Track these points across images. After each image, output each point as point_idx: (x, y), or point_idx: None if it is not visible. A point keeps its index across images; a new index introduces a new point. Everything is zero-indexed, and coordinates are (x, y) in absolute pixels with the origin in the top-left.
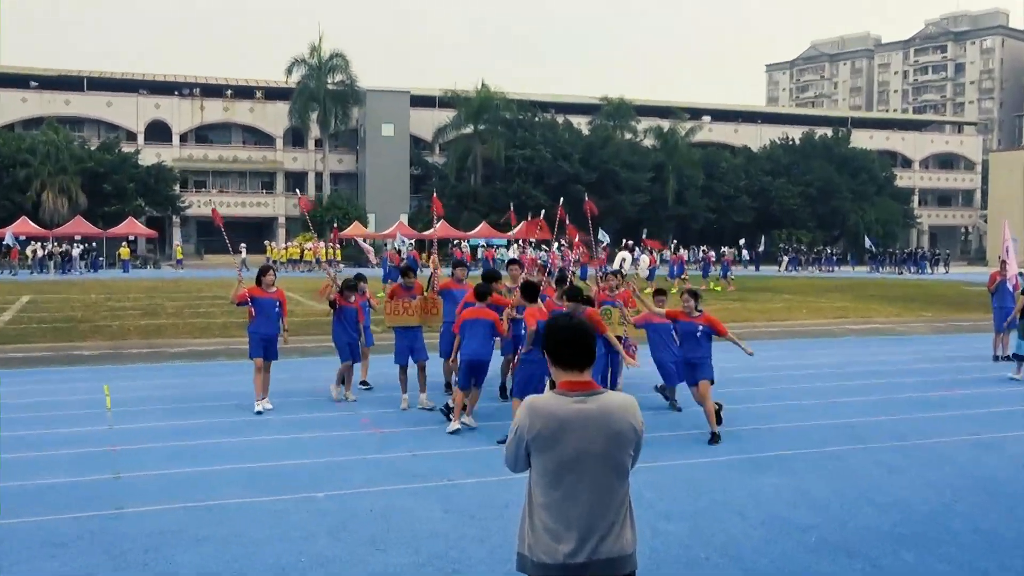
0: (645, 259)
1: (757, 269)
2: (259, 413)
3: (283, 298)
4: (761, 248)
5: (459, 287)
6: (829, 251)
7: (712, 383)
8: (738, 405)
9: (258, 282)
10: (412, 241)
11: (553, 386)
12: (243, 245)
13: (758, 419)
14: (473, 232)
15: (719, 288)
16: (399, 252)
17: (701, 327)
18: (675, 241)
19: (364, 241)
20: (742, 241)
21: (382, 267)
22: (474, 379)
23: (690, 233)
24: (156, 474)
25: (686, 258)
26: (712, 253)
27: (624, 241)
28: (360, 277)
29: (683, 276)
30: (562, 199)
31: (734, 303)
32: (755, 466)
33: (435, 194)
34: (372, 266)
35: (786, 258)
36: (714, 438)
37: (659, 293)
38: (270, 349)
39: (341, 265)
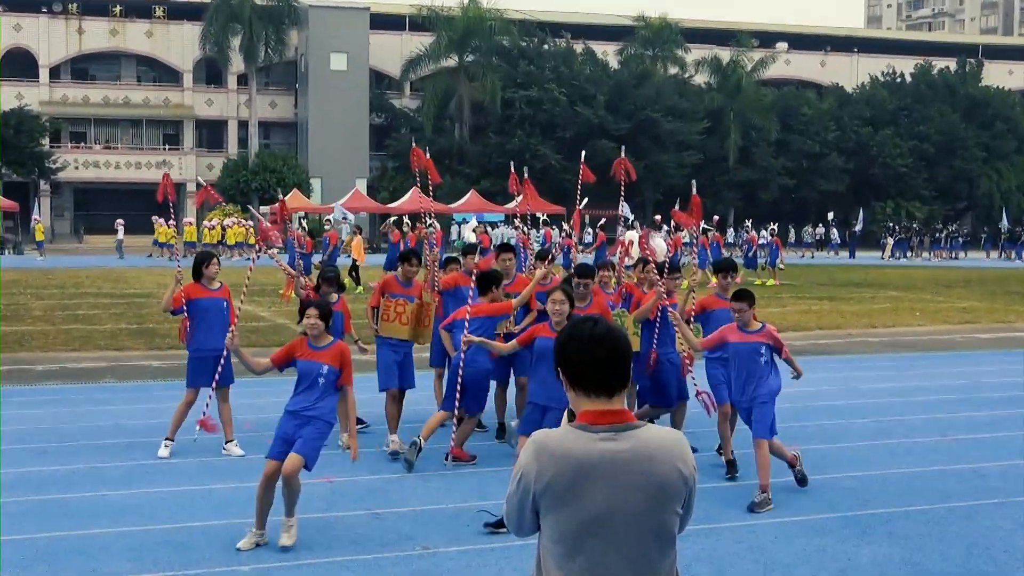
0: (661, 243)
1: (852, 256)
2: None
3: (230, 297)
4: (858, 227)
5: (472, 283)
6: (951, 230)
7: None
8: (825, 444)
9: (196, 276)
10: (353, 218)
11: (572, 417)
12: (120, 222)
13: (854, 464)
14: (458, 204)
15: (770, 282)
16: (357, 231)
17: (764, 346)
18: (748, 221)
19: (263, 214)
20: (831, 216)
21: (288, 251)
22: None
23: (759, 206)
24: (12, 540)
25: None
26: (754, 233)
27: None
28: (331, 269)
29: (777, 264)
30: (584, 154)
31: (821, 302)
32: (851, 529)
33: (414, 144)
34: (258, 253)
35: (891, 240)
36: (762, 501)
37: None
38: (223, 371)
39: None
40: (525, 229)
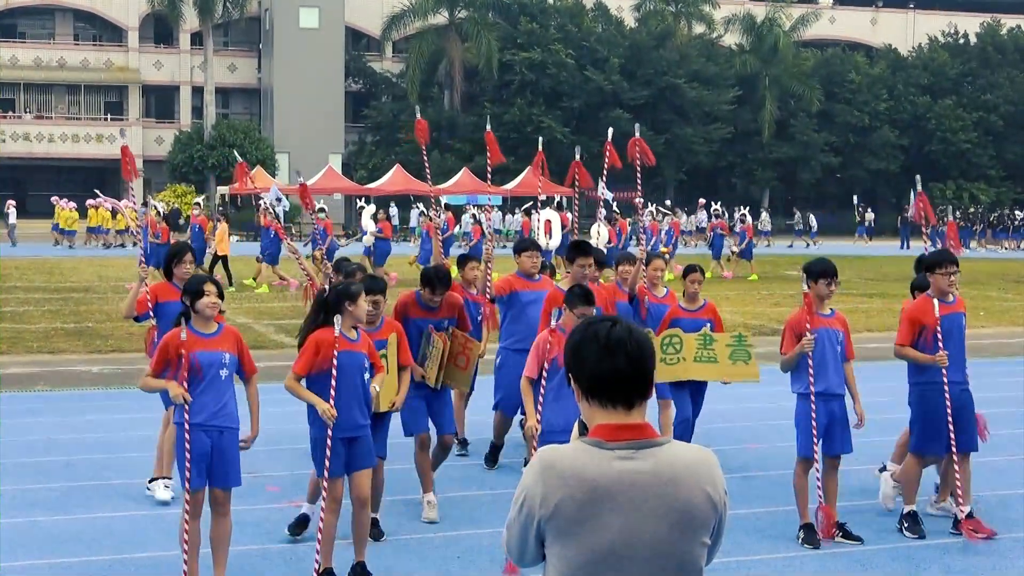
0: (604, 230)
1: (905, 246)
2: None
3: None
4: (910, 212)
5: (532, 286)
6: (1021, 217)
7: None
8: (876, 464)
9: (167, 274)
10: (285, 200)
11: (585, 431)
12: (10, 203)
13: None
14: (449, 185)
15: (753, 276)
16: (222, 218)
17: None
18: (744, 208)
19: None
20: (855, 199)
21: (192, 237)
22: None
23: (798, 187)
24: None
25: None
26: (750, 222)
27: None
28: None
29: (730, 250)
30: (611, 132)
31: (871, 300)
32: (901, 563)
33: (419, 115)
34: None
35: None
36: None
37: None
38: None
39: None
40: (432, 215)
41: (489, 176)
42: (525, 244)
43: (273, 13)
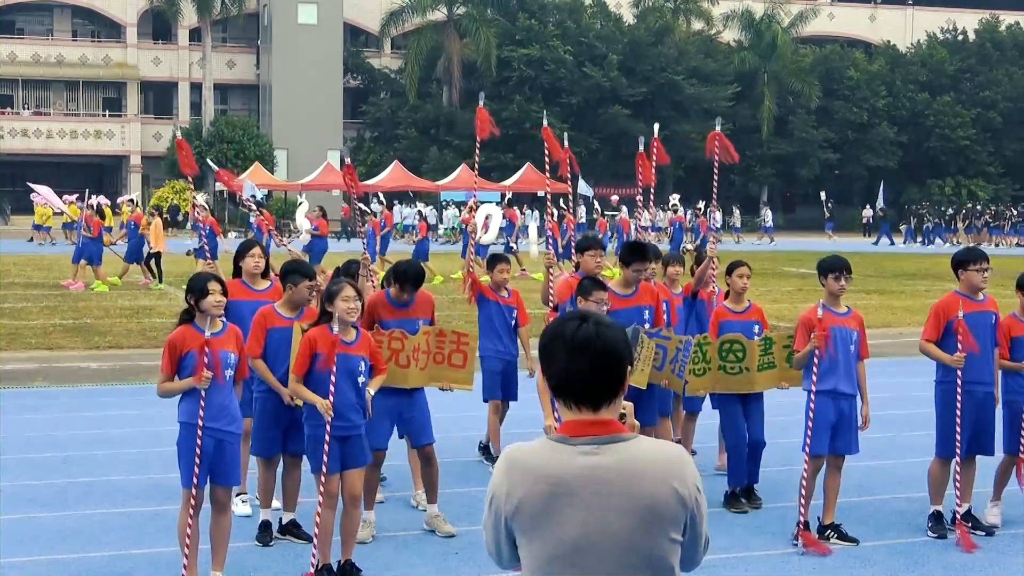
0: (533, 227)
1: (931, 242)
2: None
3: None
4: (879, 204)
5: None
6: (1021, 213)
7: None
8: (873, 461)
9: (236, 271)
10: (262, 194)
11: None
12: None
13: (905, 484)
14: (447, 181)
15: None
16: (156, 212)
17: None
18: (700, 204)
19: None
20: (823, 195)
21: (128, 234)
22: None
23: (797, 183)
24: None
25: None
26: (704, 218)
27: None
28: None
29: (683, 247)
30: (657, 127)
31: (869, 296)
32: (900, 559)
33: (481, 103)
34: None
35: (961, 225)
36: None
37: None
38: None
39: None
40: (375, 212)
41: (477, 152)
42: (588, 243)
43: (271, 9)
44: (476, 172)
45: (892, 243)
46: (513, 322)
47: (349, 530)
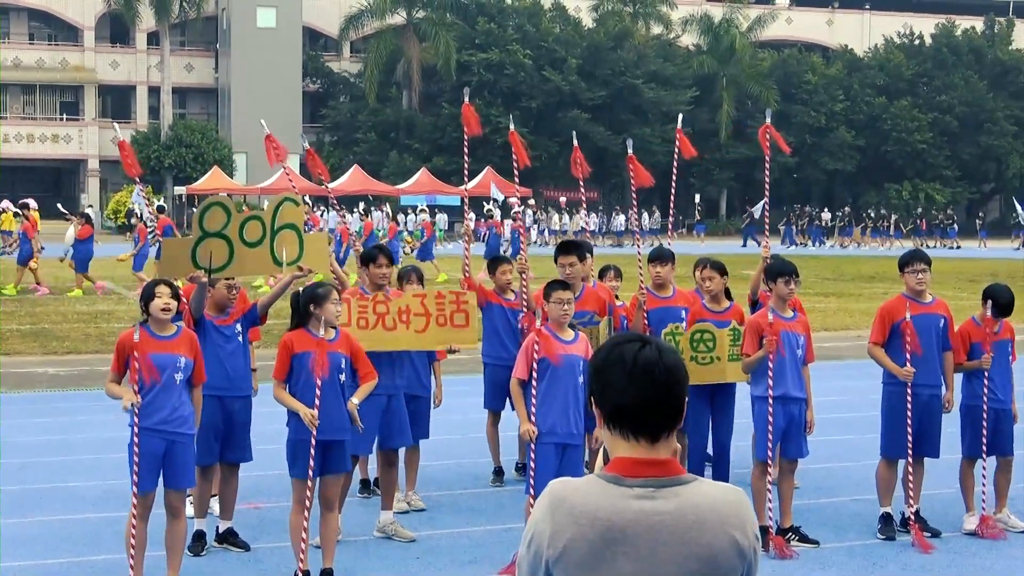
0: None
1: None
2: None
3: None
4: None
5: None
6: (980, 216)
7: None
8: (831, 464)
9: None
10: (153, 201)
11: (607, 461)
12: None
13: (863, 487)
14: (407, 186)
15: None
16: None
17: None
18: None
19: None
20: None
21: (21, 241)
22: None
23: (754, 188)
24: None
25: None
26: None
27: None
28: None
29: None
30: (631, 143)
31: (827, 299)
32: (859, 560)
33: (466, 100)
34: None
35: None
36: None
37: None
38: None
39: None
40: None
41: (466, 153)
42: (499, 260)
43: (230, 13)
44: (467, 172)
45: (793, 244)
46: (518, 324)
47: (329, 537)
